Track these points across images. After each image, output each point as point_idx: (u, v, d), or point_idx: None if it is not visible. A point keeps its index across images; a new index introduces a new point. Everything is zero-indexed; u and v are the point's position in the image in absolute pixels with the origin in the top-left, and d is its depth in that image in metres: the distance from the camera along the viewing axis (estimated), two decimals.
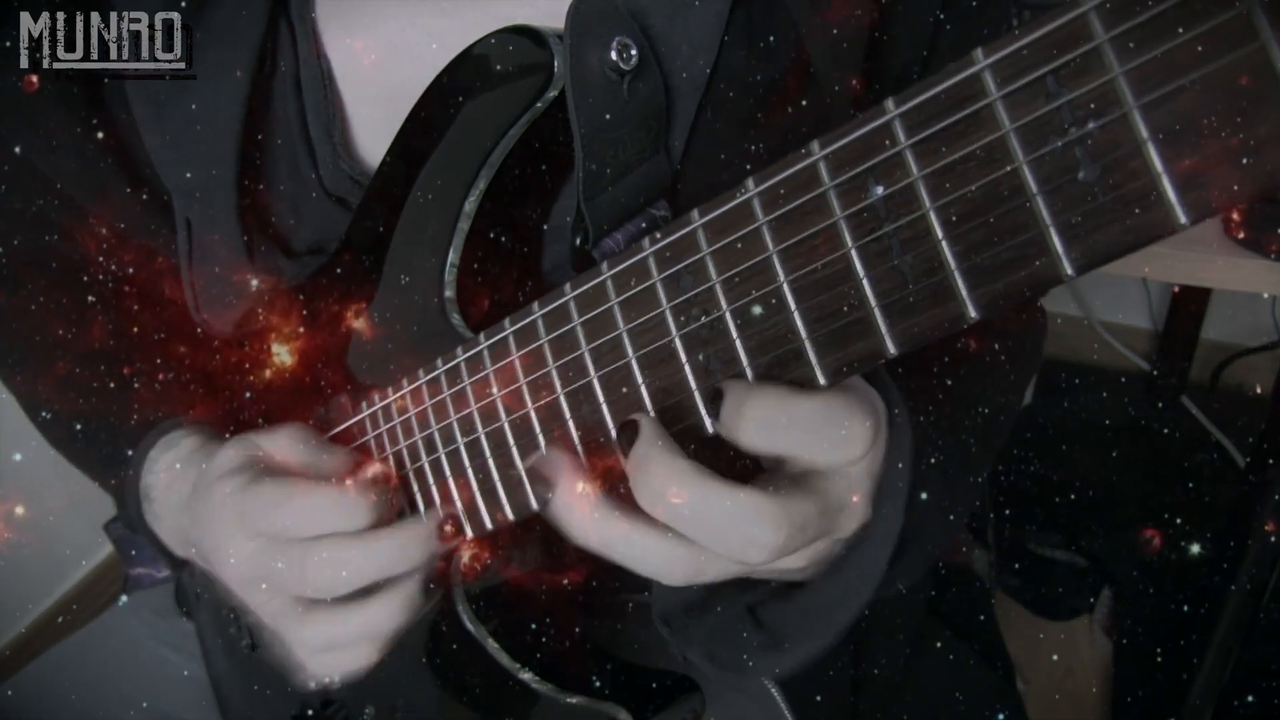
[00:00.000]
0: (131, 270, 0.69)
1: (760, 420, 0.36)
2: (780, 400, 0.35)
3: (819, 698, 0.69)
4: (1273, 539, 1.20)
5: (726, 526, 0.36)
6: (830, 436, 0.36)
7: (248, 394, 0.63)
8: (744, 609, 0.48)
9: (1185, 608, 1.53)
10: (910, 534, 0.46)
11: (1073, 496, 1.84)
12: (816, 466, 0.38)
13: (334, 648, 0.51)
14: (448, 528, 0.49)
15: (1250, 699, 1.39)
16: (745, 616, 0.48)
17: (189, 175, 0.58)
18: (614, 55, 0.48)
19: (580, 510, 0.40)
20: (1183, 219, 0.26)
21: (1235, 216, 1.04)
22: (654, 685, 0.55)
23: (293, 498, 0.48)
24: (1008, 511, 1.77)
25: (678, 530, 0.37)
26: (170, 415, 0.64)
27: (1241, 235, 1.03)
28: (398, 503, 0.53)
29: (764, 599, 0.48)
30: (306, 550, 0.48)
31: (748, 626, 0.48)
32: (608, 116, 0.49)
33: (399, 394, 0.53)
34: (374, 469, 0.52)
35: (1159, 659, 1.51)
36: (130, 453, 0.64)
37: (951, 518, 0.55)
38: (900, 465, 0.44)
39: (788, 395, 0.36)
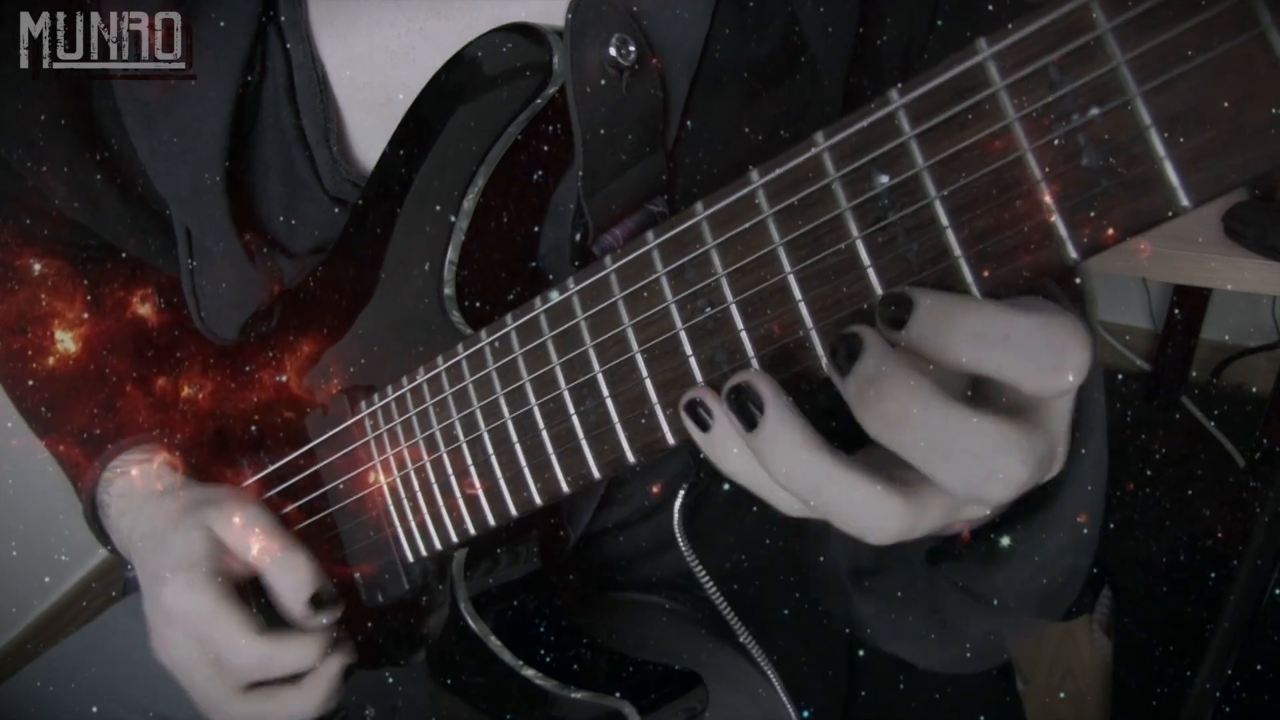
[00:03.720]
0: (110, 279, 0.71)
1: (976, 332, 0.31)
2: (997, 313, 0.31)
3: (817, 694, 0.69)
4: (1272, 539, 1.20)
5: (971, 457, 0.31)
6: (1047, 359, 0.30)
7: (247, 396, 0.63)
8: (927, 571, 0.44)
9: (1185, 608, 1.53)
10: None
11: None
12: (1022, 390, 0.32)
13: None
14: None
15: (1250, 699, 1.39)
16: (934, 579, 0.44)
17: (182, 183, 0.58)
18: (613, 52, 0.48)
19: (789, 446, 0.33)
20: (1185, 202, 0.26)
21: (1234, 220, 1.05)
22: (656, 680, 0.54)
23: (252, 651, 0.54)
24: None
25: (911, 458, 0.32)
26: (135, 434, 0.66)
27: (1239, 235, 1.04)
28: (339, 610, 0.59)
29: (955, 559, 0.43)
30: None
31: (942, 589, 0.44)
32: (607, 113, 0.49)
33: (399, 392, 0.53)
34: (321, 590, 0.57)
35: (1159, 659, 1.51)
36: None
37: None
38: (1098, 399, 0.39)
39: (1004, 309, 0.31)
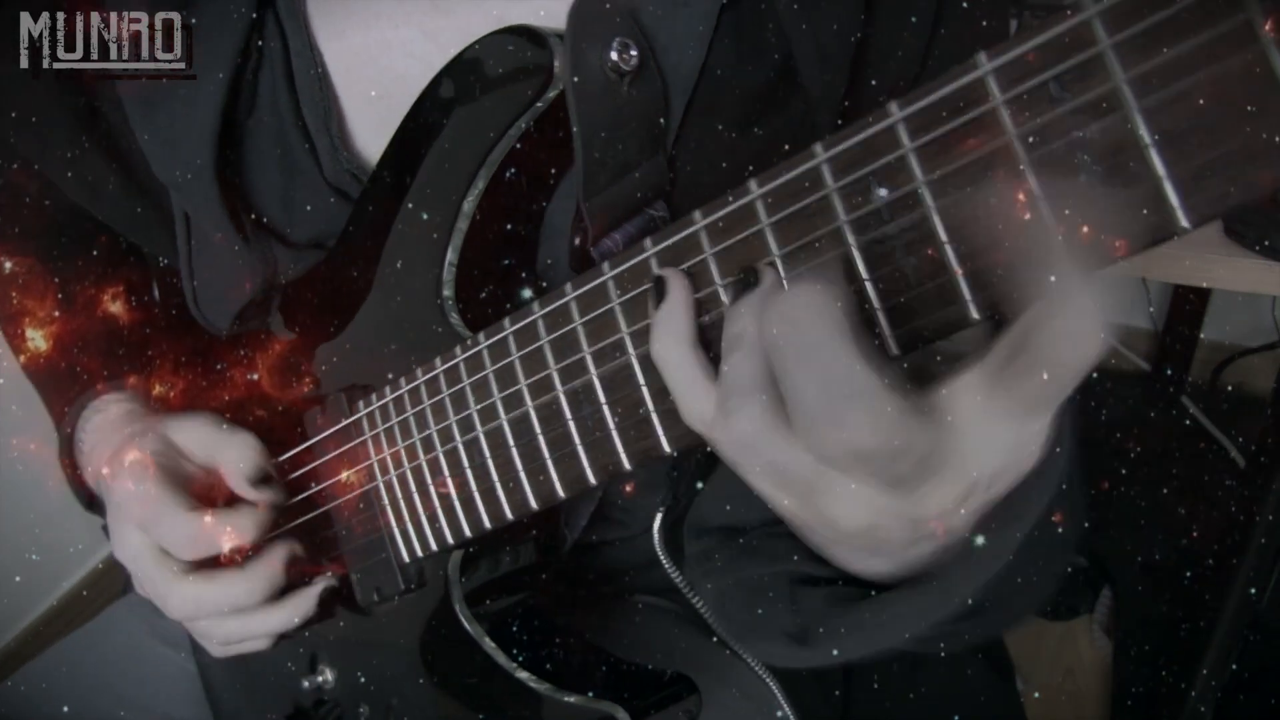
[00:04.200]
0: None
1: None
2: None
3: (815, 694, 0.69)
4: (1272, 539, 1.20)
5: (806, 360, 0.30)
6: None
7: (244, 394, 0.64)
8: (789, 579, 0.42)
9: (1185, 608, 1.53)
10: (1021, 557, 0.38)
11: None
12: None
13: (199, 616, 0.58)
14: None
15: (1250, 699, 1.39)
16: (786, 588, 0.42)
17: (176, 168, 0.58)
18: (614, 55, 0.48)
19: (670, 327, 0.37)
20: (1184, 222, 0.26)
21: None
22: (651, 684, 0.55)
23: (190, 533, 0.55)
24: None
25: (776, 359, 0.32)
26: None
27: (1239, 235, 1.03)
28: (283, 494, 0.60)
29: (817, 579, 0.41)
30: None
31: (782, 601, 0.41)
32: (607, 117, 0.49)
33: (397, 393, 0.53)
34: (268, 470, 0.59)
35: (1159, 659, 1.51)
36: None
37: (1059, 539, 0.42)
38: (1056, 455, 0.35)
39: None
